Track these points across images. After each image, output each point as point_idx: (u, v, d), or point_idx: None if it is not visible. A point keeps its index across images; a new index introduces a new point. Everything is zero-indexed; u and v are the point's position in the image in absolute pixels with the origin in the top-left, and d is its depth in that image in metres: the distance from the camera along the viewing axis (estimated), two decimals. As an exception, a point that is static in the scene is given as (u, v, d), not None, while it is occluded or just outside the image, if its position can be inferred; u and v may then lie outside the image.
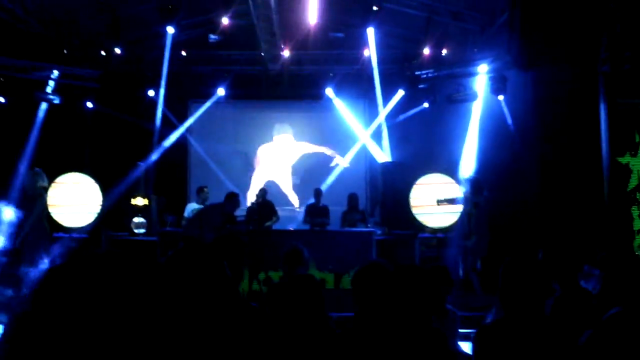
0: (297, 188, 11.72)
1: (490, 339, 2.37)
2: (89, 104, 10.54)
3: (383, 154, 10.83)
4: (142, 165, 9.85)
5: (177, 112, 11.14)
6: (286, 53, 10.64)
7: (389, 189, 9.05)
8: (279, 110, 11.99)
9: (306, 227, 8.79)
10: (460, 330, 3.86)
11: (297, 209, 11.30)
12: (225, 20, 9.54)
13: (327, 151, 11.78)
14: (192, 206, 8.84)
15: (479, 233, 7.62)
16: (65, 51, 9.92)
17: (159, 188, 10.12)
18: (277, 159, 11.85)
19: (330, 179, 11.27)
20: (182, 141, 11.19)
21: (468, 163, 9.86)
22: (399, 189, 8.79)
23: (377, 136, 11.15)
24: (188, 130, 11.34)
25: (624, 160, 7.51)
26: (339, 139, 11.68)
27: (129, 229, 8.64)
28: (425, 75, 10.71)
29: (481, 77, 10.02)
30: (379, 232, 8.23)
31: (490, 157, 9.20)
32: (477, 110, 10.16)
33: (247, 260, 2.79)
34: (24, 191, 7.72)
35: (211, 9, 9.87)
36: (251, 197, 9.69)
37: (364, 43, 10.32)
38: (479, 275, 7.30)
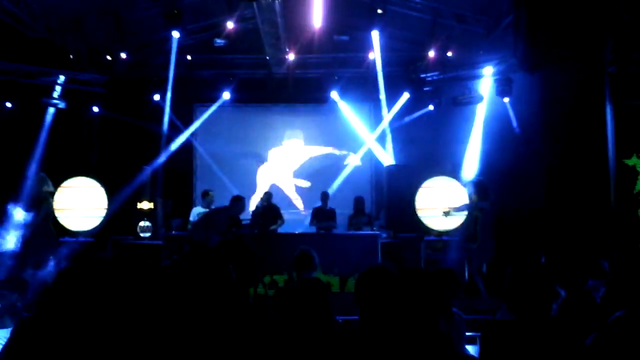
0: (304, 191, 11.72)
1: (498, 335, 2.37)
2: (95, 109, 10.61)
3: (388, 157, 10.82)
4: (148, 169, 9.88)
5: (182, 116, 11.17)
6: (291, 56, 10.65)
7: (394, 192, 9.04)
8: (284, 113, 11.99)
9: (312, 230, 8.80)
10: (466, 334, 3.85)
11: (303, 212, 11.30)
12: (230, 25, 9.59)
13: (336, 151, 11.75)
14: (198, 210, 8.85)
15: (484, 236, 7.60)
16: (71, 56, 9.97)
17: (165, 192, 10.17)
18: (285, 163, 11.85)
19: (337, 182, 11.26)
20: (187, 145, 11.22)
21: (473, 165, 9.85)
22: (404, 192, 8.79)
23: (382, 139, 11.14)
24: (193, 134, 11.37)
25: (630, 162, 7.45)
26: (344, 142, 11.65)
27: (134, 232, 8.68)
28: (430, 78, 10.72)
29: (486, 80, 10.02)
30: (384, 235, 8.23)
31: (496, 159, 9.17)
32: (482, 113, 10.16)
33: (257, 265, 2.80)
34: (30, 195, 7.77)
35: (216, 13, 9.91)
36: (255, 201, 9.69)
37: (368, 46, 10.31)
38: (485, 278, 7.28)
